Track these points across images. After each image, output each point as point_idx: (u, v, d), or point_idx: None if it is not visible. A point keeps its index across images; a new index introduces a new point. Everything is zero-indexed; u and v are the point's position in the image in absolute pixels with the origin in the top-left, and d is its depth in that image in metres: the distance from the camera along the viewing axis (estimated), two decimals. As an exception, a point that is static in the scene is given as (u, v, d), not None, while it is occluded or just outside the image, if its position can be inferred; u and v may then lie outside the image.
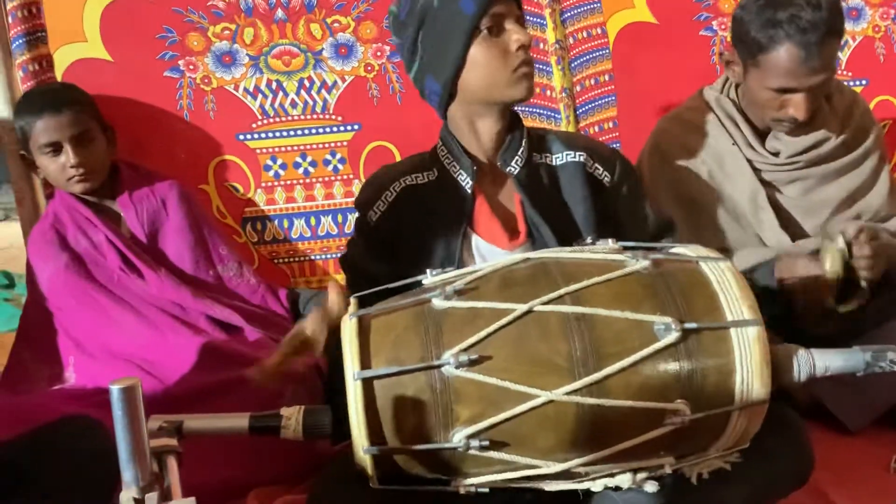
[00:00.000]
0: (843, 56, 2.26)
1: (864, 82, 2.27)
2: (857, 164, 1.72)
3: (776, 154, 1.68)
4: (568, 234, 1.34)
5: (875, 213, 1.74)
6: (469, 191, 1.36)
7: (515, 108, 1.39)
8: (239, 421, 1.07)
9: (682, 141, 1.75)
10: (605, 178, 1.40)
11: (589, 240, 1.18)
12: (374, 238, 1.41)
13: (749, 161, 1.69)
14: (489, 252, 1.37)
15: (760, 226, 1.69)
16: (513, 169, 1.36)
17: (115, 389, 0.81)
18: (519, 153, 1.36)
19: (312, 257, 2.16)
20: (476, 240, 1.38)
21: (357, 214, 1.45)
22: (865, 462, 1.48)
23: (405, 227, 1.38)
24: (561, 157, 1.40)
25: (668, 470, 1.05)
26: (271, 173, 2.12)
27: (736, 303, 1.03)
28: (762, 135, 1.71)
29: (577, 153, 1.40)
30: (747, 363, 1.00)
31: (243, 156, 2.11)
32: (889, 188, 1.75)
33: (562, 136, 1.45)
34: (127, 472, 0.83)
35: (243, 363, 1.49)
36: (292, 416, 1.05)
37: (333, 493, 1.15)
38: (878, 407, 1.57)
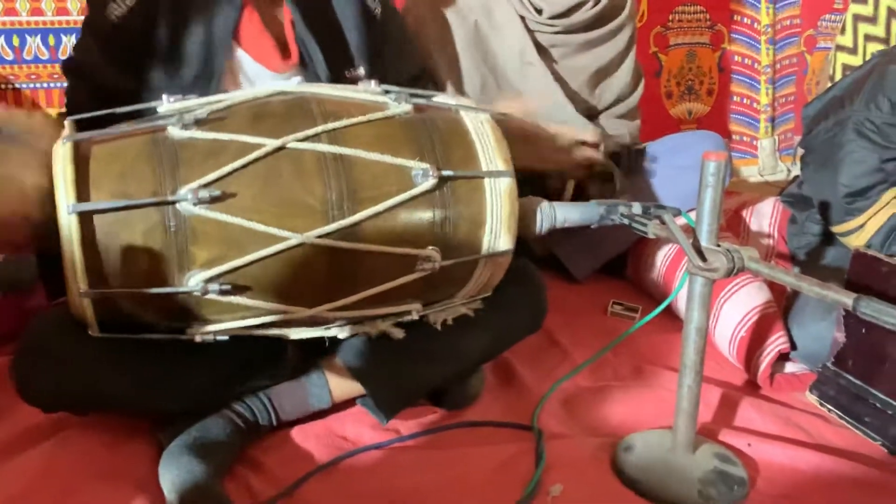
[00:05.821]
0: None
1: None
2: (611, 37, 1.75)
3: (540, 12, 1.67)
4: (340, 61, 1.26)
5: (621, 90, 1.80)
6: None
7: None
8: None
9: None
10: (377, 10, 1.33)
11: (360, 70, 1.17)
12: (114, 41, 1.18)
13: (522, 18, 1.66)
14: (256, 73, 1.24)
15: (525, 83, 1.68)
16: None
17: None
18: None
19: (17, 85, 1.87)
20: (242, 56, 1.23)
21: (89, 12, 1.22)
22: (588, 307, 1.63)
23: (156, 32, 1.17)
24: None
25: (414, 316, 1.07)
26: (-47, -29, 1.78)
27: (491, 154, 1.04)
28: None
29: None
30: (497, 213, 1.03)
31: None
32: (633, 66, 1.83)
33: None
34: None
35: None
36: (-17, 270, 0.89)
37: (44, 347, 1.02)
38: (601, 257, 1.73)
